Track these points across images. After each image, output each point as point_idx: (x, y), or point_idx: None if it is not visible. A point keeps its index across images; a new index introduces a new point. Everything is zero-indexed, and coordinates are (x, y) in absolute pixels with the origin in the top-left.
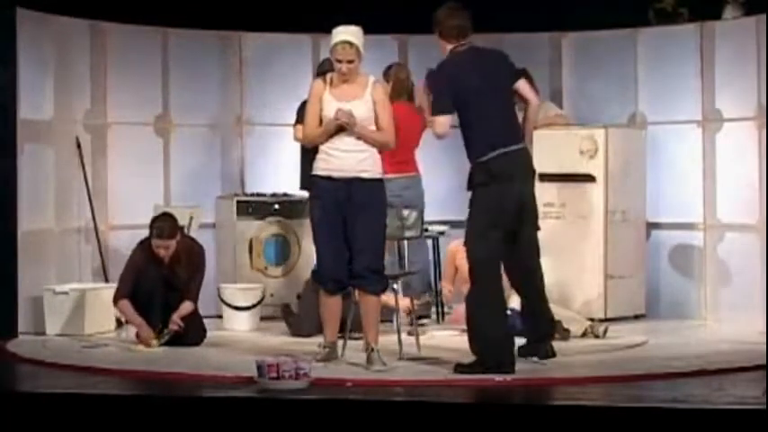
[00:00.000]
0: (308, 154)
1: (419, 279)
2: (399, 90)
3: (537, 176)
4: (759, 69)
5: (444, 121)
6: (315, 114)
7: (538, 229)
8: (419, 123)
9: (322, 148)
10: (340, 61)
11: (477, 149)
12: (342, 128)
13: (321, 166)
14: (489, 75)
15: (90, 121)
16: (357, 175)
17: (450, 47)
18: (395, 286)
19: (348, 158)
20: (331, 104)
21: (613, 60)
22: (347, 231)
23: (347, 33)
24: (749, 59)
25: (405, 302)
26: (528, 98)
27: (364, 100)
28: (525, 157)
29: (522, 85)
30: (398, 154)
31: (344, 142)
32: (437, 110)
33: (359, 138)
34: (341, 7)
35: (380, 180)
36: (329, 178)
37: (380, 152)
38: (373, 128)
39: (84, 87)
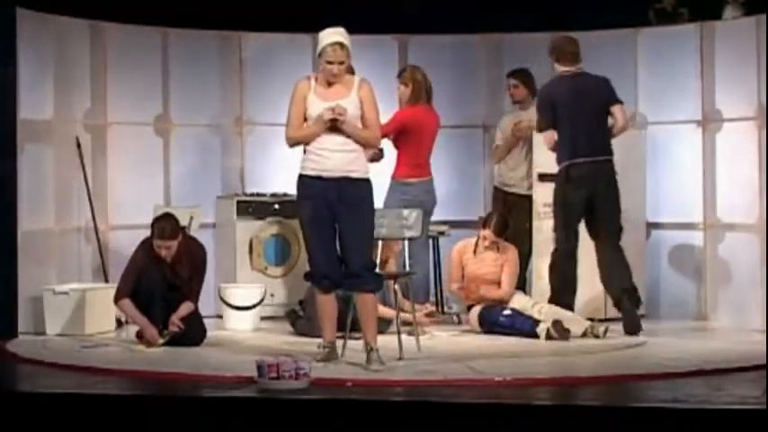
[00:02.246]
0: None
1: (420, 285)
2: (418, 92)
3: (612, 183)
4: (759, 69)
5: (547, 136)
6: (299, 115)
7: (617, 229)
8: (435, 125)
9: (309, 148)
10: (331, 63)
11: (562, 156)
12: (332, 125)
13: (310, 166)
14: (582, 98)
15: (90, 121)
16: (346, 175)
17: (561, 69)
18: (396, 287)
19: (337, 158)
20: (316, 104)
21: (613, 60)
22: (337, 231)
23: (338, 35)
24: (749, 59)
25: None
26: (617, 118)
27: (351, 99)
28: (601, 167)
29: (616, 110)
30: (418, 157)
31: (332, 141)
32: (539, 127)
33: (347, 136)
34: (341, 7)
35: (368, 180)
36: (319, 178)
37: (397, 155)
38: (360, 126)
39: (84, 87)
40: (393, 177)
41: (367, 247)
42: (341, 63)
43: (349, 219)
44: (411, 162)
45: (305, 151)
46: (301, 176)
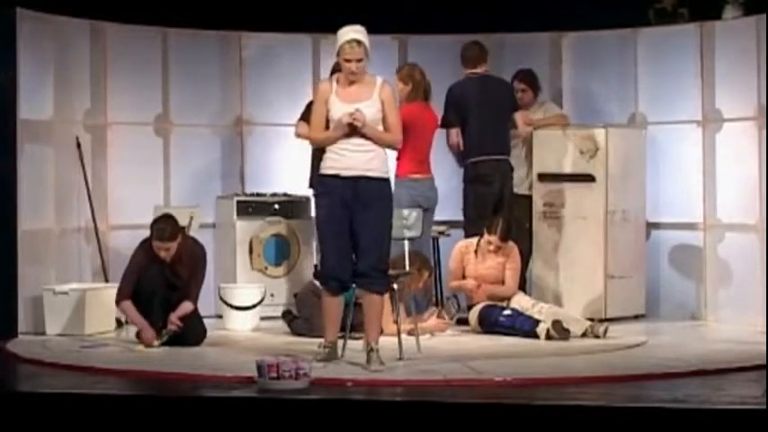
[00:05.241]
0: (319, 153)
1: (422, 292)
2: (417, 90)
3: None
4: (759, 69)
5: (453, 134)
6: (321, 116)
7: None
8: (434, 123)
9: (329, 147)
10: (349, 60)
11: (470, 153)
12: (352, 129)
13: (329, 165)
14: (490, 98)
15: (90, 121)
16: (364, 174)
17: (466, 72)
18: (394, 286)
19: (356, 157)
20: (337, 106)
21: (613, 60)
22: (353, 230)
23: (355, 32)
24: (749, 59)
25: (432, 322)
26: (518, 126)
27: (373, 101)
28: (503, 165)
29: (518, 116)
30: (419, 153)
31: (352, 141)
32: (445, 123)
33: (367, 138)
34: (341, 7)
35: (387, 179)
36: (337, 176)
37: (399, 153)
38: (381, 128)
39: (84, 87)
40: (398, 176)
41: (381, 248)
42: (359, 60)
43: (365, 218)
44: (414, 158)
45: (325, 151)
46: (321, 176)
